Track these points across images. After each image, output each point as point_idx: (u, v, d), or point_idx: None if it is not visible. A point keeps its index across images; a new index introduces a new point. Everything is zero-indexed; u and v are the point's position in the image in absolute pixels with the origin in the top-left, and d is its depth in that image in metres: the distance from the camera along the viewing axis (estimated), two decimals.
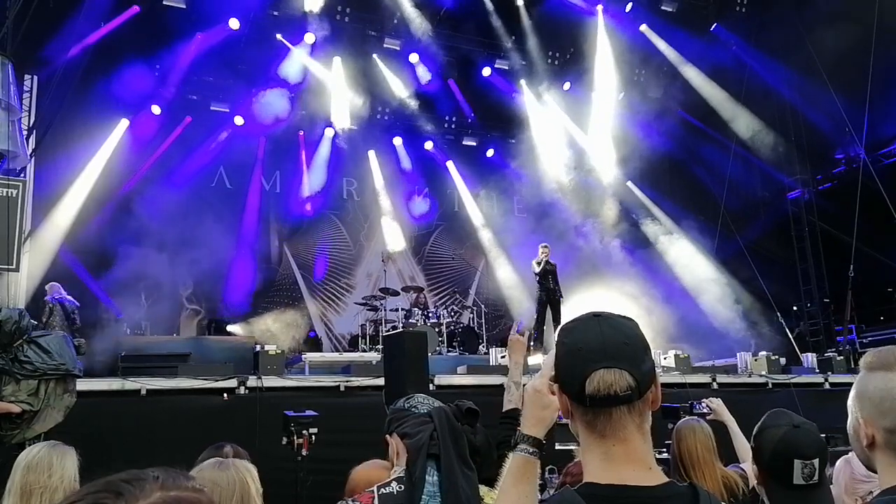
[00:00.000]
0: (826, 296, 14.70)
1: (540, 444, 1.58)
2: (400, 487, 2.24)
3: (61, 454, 2.98)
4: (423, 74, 14.79)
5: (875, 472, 1.63)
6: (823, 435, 2.23)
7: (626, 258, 14.23)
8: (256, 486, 2.49)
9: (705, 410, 3.99)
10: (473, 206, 16.52)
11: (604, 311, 1.42)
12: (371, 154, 15.79)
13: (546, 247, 11.63)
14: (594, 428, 1.36)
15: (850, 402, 1.68)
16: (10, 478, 2.91)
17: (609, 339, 1.35)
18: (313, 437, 5.49)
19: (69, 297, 9.37)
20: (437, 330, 12.17)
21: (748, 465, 3.55)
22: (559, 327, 1.49)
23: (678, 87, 15.00)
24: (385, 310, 12.55)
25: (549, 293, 11.37)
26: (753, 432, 2.20)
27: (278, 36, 13.47)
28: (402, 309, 12.67)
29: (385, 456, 3.36)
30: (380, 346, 11.02)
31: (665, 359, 10.64)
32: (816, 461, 2.07)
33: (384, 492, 2.24)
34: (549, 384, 1.52)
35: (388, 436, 2.44)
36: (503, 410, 2.96)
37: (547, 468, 5.48)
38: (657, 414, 1.42)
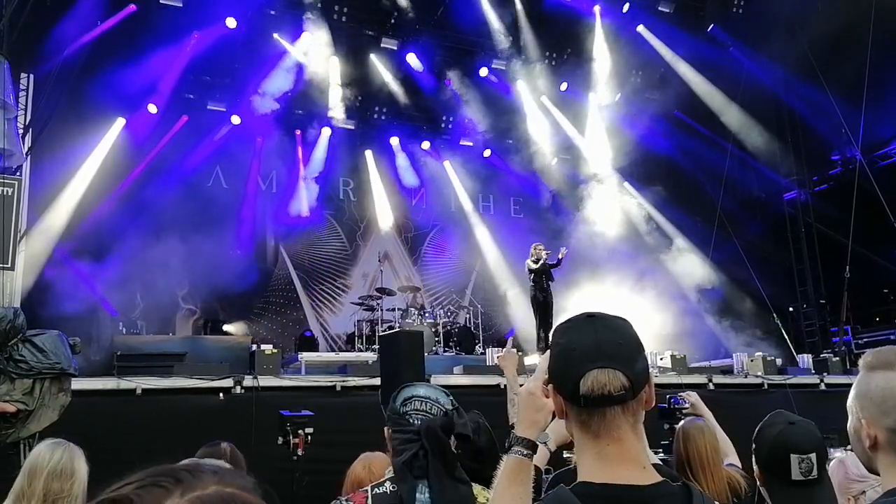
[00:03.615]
0: (822, 297, 14.74)
1: (533, 446, 1.59)
2: (393, 487, 2.24)
3: (79, 458, 2.94)
4: (420, 74, 14.78)
5: (877, 473, 1.61)
6: None
7: (623, 259, 14.24)
8: None
9: (686, 405, 3.99)
10: (470, 206, 16.52)
11: (598, 312, 1.43)
12: (368, 154, 15.79)
13: (544, 249, 11.58)
14: (588, 428, 1.37)
15: (850, 402, 1.67)
16: (25, 481, 2.84)
17: (603, 340, 1.36)
18: (309, 436, 5.51)
19: None
20: (433, 330, 12.17)
21: (733, 459, 3.57)
22: (553, 328, 1.50)
23: (675, 87, 15.00)
24: (381, 310, 12.55)
25: (544, 293, 11.37)
26: (754, 435, 2.21)
27: (275, 35, 13.44)
28: (399, 309, 12.67)
29: (381, 449, 3.36)
30: (376, 346, 11.01)
31: (661, 359, 10.66)
32: (813, 456, 2.08)
33: (377, 492, 2.24)
34: (543, 387, 1.53)
35: (386, 427, 2.43)
36: (511, 423, 2.97)
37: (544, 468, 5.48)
38: (653, 415, 1.43)
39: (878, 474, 1.61)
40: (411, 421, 2.31)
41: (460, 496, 2.24)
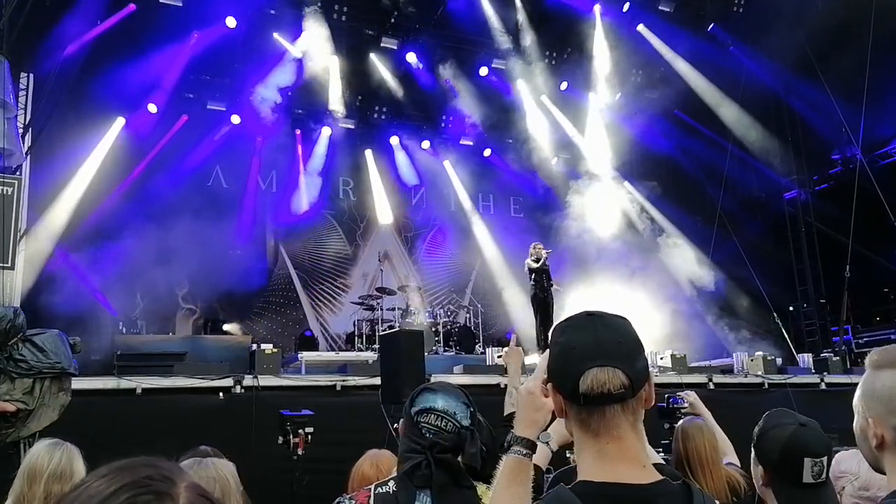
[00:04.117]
0: (822, 296, 14.73)
1: (533, 445, 1.58)
2: (396, 488, 2.23)
3: (77, 458, 2.95)
4: (420, 73, 14.78)
5: (883, 473, 1.60)
6: None
7: (623, 258, 14.23)
8: (236, 484, 2.47)
9: (684, 405, 3.99)
10: (470, 205, 16.52)
11: (597, 311, 1.43)
12: (367, 153, 15.79)
13: (543, 248, 11.56)
14: (588, 426, 1.36)
15: (856, 401, 1.66)
16: (25, 484, 2.83)
17: (603, 338, 1.36)
18: (309, 436, 5.50)
19: None
20: (433, 329, 12.17)
21: (732, 458, 3.56)
22: (553, 326, 1.49)
23: (675, 86, 14.99)
24: (381, 309, 12.54)
25: (544, 292, 11.35)
26: (755, 433, 2.17)
27: (275, 34, 13.44)
28: (399, 308, 12.66)
29: (380, 446, 3.35)
30: (376, 346, 11.01)
31: (661, 359, 10.65)
32: (825, 459, 2.06)
33: (380, 491, 2.23)
34: (543, 387, 1.53)
35: (401, 421, 2.42)
36: (506, 414, 2.97)
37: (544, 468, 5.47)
38: (653, 414, 1.42)
39: (885, 474, 1.60)
40: (423, 433, 2.26)
41: (464, 501, 2.23)
